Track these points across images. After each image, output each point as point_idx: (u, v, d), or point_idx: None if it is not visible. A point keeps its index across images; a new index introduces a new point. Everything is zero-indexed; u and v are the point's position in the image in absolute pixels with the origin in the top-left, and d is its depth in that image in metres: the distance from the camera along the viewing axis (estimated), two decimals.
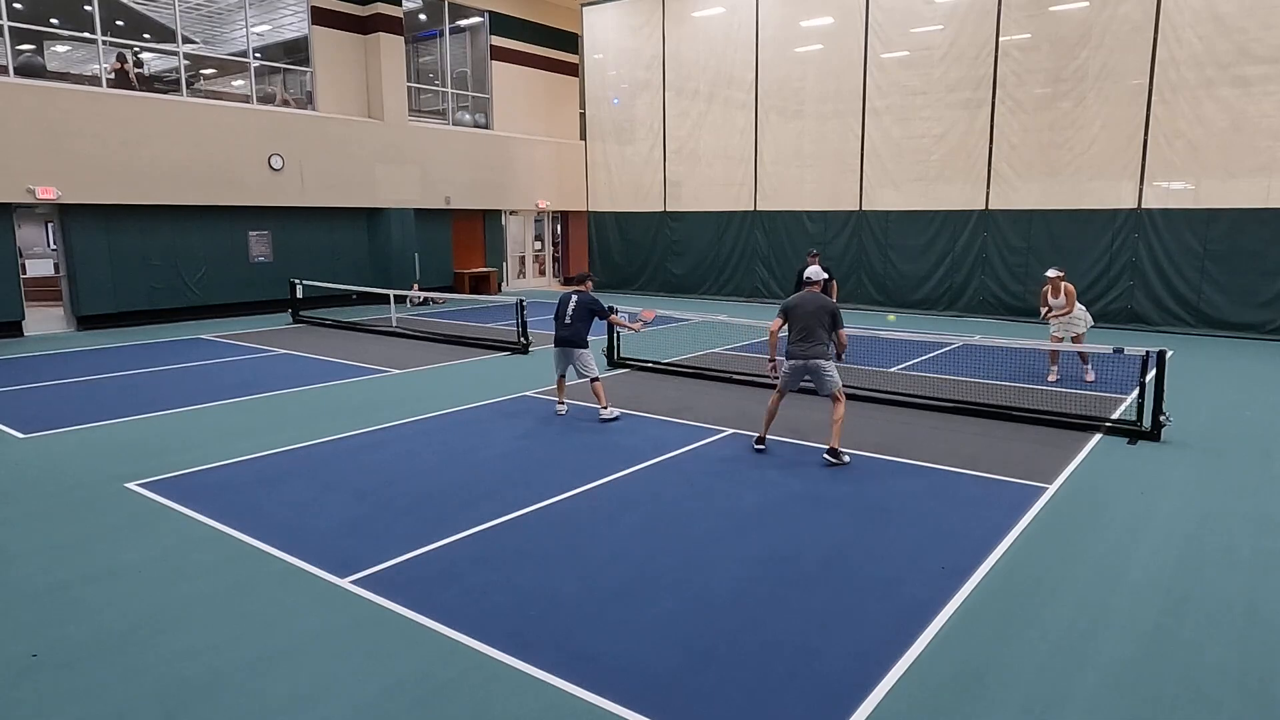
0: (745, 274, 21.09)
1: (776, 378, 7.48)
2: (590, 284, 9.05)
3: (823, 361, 7.05)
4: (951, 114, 17.37)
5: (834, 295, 11.97)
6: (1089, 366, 10.59)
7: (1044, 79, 16.29)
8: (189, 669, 3.89)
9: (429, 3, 22.44)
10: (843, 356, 7.30)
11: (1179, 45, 14.75)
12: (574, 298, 8.66)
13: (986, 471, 6.90)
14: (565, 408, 8.96)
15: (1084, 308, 10.65)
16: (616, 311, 9.45)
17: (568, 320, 8.59)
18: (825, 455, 7.02)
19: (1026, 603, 4.54)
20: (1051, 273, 10.53)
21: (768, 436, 7.52)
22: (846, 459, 7.04)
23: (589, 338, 8.70)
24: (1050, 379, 10.58)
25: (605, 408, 8.55)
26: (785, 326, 7.25)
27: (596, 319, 8.77)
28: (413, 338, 14.86)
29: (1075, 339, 10.33)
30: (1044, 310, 10.54)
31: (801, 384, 7.35)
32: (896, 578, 4.86)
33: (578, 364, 8.64)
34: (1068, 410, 8.65)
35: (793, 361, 7.15)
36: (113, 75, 16.23)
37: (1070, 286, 10.40)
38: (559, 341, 8.71)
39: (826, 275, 11.76)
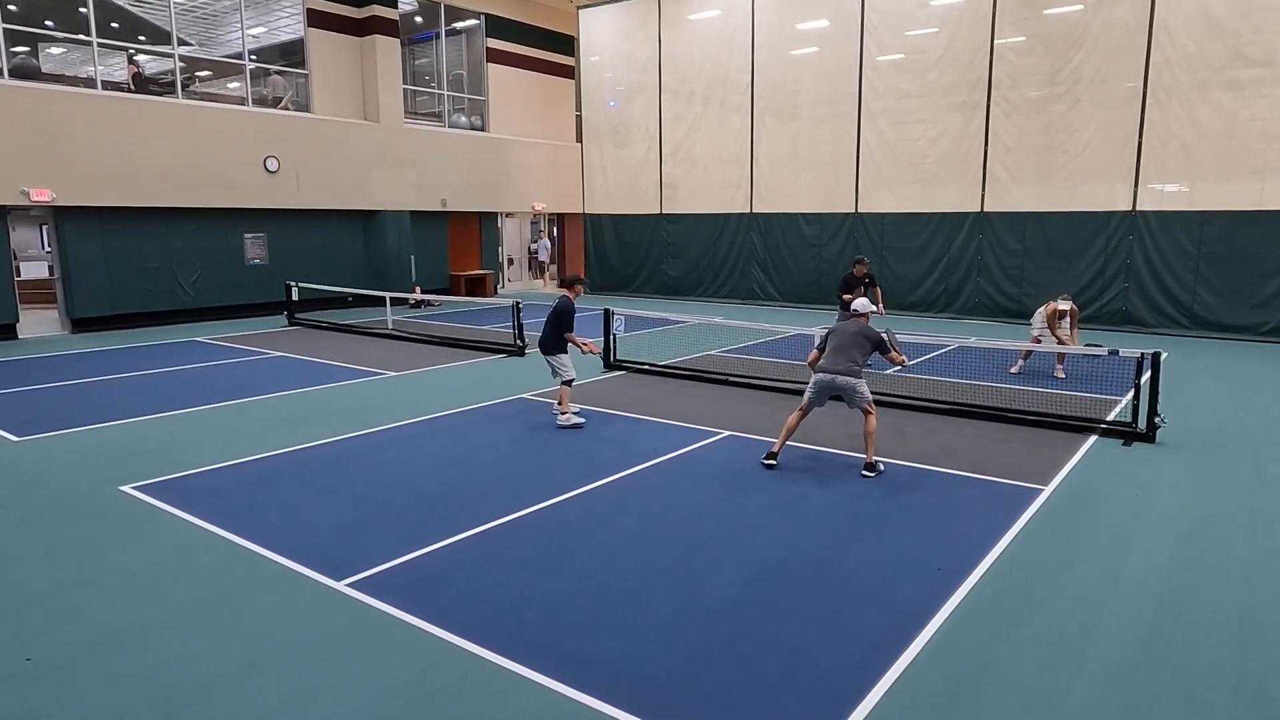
0: (741, 276, 21.12)
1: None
2: (580, 288, 8.87)
3: (853, 380, 6.89)
4: (946, 117, 17.42)
5: (880, 300, 12.00)
6: (1061, 366, 11.23)
7: (1038, 82, 16.35)
8: (184, 672, 3.88)
9: (425, 5, 22.43)
10: (906, 365, 7.35)
11: (1173, 48, 14.83)
12: (556, 303, 8.67)
13: (982, 473, 6.91)
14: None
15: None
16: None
17: (546, 325, 8.69)
18: (863, 471, 6.86)
19: (1022, 604, 4.55)
20: (1066, 305, 10.81)
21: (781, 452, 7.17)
22: (882, 468, 6.97)
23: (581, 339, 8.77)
24: (1013, 370, 11.34)
25: (562, 412, 8.44)
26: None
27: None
28: (409, 340, 14.84)
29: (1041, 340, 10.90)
30: (1058, 338, 10.72)
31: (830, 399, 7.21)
32: (893, 579, 4.87)
33: (551, 367, 8.68)
34: (1063, 412, 8.68)
35: (821, 376, 6.97)
36: (129, 82, 16.62)
37: (1076, 309, 11.00)
38: (539, 346, 8.84)
39: (868, 281, 11.88)
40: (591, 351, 9.11)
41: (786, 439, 7.15)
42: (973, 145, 17.14)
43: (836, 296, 11.96)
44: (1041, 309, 11.04)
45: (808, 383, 7.16)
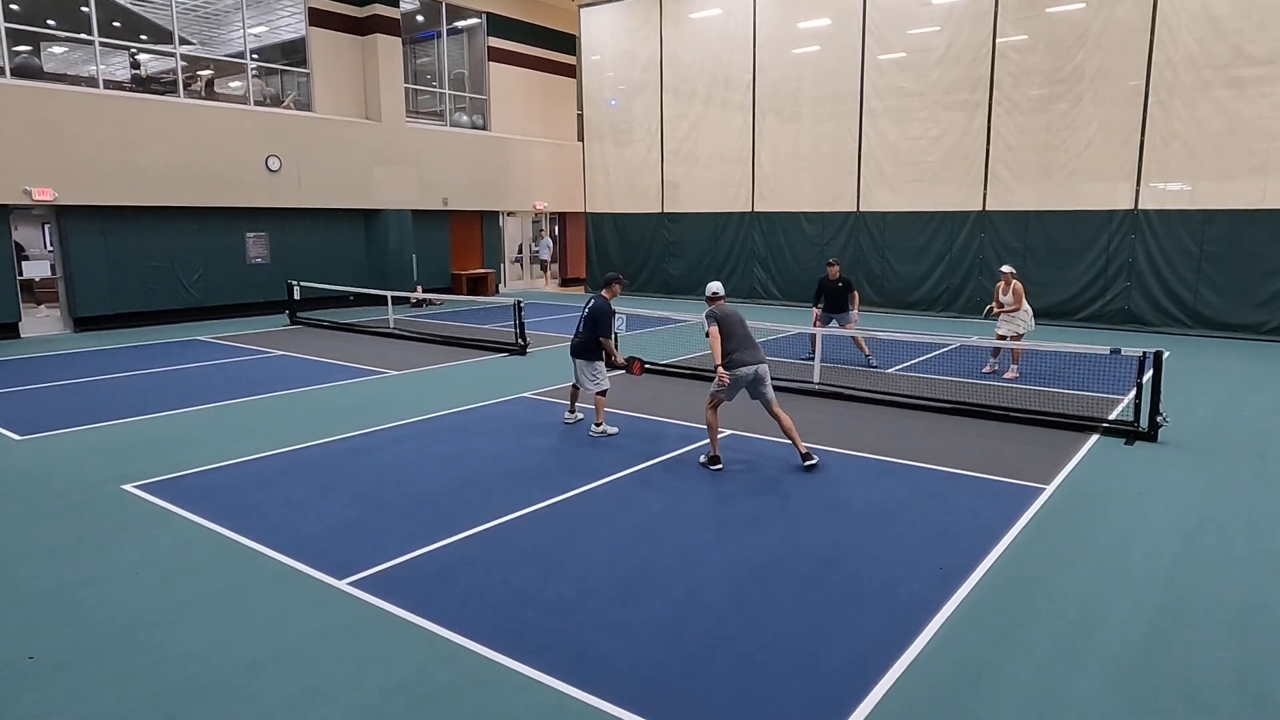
0: (743, 275, 21.10)
1: (722, 387, 6.93)
2: (617, 288, 8.39)
3: (765, 366, 7.01)
4: (948, 115, 17.40)
5: (856, 303, 12.04)
6: (1016, 366, 11.09)
7: (1040, 81, 16.32)
8: (186, 671, 3.89)
9: (426, 4, 22.43)
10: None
11: (1175, 47, 14.80)
12: (590, 303, 8.15)
13: (984, 472, 6.91)
14: (574, 417, 8.57)
15: (1029, 308, 11.08)
16: (620, 330, 8.79)
17: (580, 329, 8.18)
18: (806, 465, 6.88)
19: (1024, 603, 4.55)
20: (1006, 269, 11.06)
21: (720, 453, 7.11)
22: (816, 458, 6.99)
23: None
24: (986, 370, 11.21)
25: (598, 423, 8.05)
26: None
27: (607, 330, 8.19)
28: (410, 339, 14.85)
29: (1015, 337, 10.86)
30: (994, 307, 11.04)
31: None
32: (894, 578, 4.86)
33: (581, 375, 8.22)
34: (1065, 411, 8.67)
35: (744, 369, 6.87)
36: (202, 89, 17.03)
37: (1019, 285, 10.93)
38: (571, 350, 8.29)
39: (842, 284, 11.90)
40: (632, 372, 8.38)
41: (716, 437, 7.12)
42: (974, 144, 17.12)
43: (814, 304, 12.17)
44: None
45: (744, 379, 6.91)
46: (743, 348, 6.94)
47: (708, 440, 7.76)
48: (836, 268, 12.06)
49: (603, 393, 8.17)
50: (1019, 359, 11.14)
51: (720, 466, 6.99)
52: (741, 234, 20.97)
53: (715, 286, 7.37)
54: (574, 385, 8.50)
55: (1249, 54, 14.23)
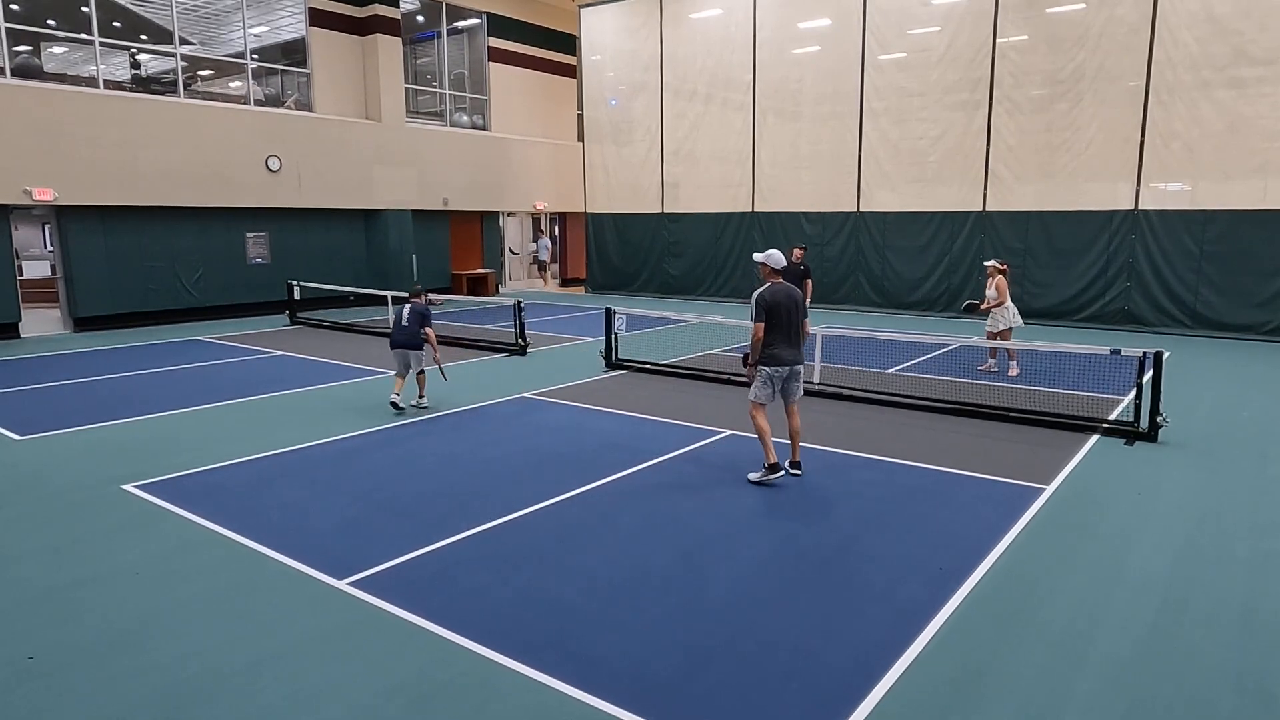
0: (743, 275, 21.09)
1: (751, 381, 6.57)
2: (424, 296, 9.58)
3: (803, 363, 6.67)
4: (949, 115, 17.40)
5: (808, 294, 12.25)
6: (1014, 362, 11.12)
7: (1041, 80, 16.33)
8: (187, 671, 3.88)
9: (426, 4, 22.44)
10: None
11: (1175, 47, 14.80)
12: (407, 307, 9.30)
13: (984, 472, 6.90)
14: (400, 399, 9.23)
15: (1013, 305, 11.05)
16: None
17: (404, 323, 9.20)
18: (794, 471, 6.63)
19: (1024, 604, 4.55)
20: (989, 264, 11.04)
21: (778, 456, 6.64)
22: (801, 471, 6.71)
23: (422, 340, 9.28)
24: (981, 368, 11.30)
25: (420, 396, 9.33)
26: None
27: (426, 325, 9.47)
28: None
29: (1001, 335, 10.85)
30: (977, 304, 11.11)
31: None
32: (894, 579, 4.86)
33: (414, 361, 9.27)
34: (1065, 411, 8.67)
35: (782, 368, 6.41)
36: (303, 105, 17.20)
37: (1003, 280, 10.85)
38: (397, 344, 9.23)
39: (803, 268, 12.33)
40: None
41: (769, 441, 6.54)
42: (975, 144, 17.12)
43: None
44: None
45: (779, 378, 6.46)
46: (782, 342, 6.39)
47: (708, 441, 7.77)
48: (804, 251, 12.76)
49: (422, 372, 9.31)
50: (1016, 356, 11.18)
51: (780, 474, 6.49)
52: (742, 234, 20.96)
53: (775, 256, 6.49)
54: (399, 375, 9.30)
55: (1249, 54, 14.23)
